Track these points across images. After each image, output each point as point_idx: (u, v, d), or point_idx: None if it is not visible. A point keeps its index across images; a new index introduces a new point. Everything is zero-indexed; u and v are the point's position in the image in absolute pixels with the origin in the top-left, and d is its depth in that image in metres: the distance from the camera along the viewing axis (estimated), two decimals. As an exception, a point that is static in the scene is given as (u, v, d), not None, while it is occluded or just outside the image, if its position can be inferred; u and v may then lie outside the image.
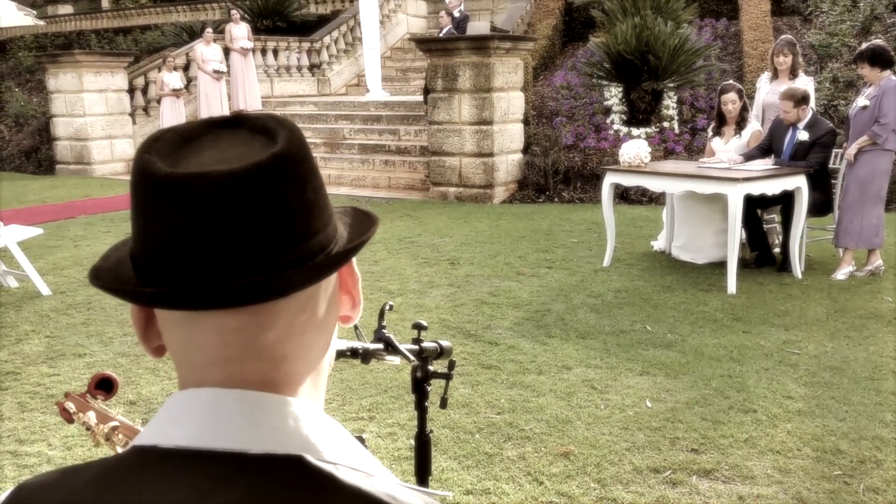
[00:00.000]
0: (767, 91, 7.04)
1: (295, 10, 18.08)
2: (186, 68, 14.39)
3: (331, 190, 0.71)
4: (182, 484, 0.61)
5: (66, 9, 26.79)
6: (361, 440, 0.80)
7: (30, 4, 29.93)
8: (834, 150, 6.53)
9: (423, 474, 1.57)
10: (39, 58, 15.20)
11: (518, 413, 3.84)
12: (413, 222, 8.83)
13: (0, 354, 4.79)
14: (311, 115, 13.82)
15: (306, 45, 16.21)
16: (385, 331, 1.36)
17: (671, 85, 11.06)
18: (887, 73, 6.03)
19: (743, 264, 6.35)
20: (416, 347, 1.44)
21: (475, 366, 4.45)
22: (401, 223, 8.72)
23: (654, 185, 6.54)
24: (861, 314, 5.31)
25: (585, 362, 4.50)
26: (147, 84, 14.49)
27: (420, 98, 11.87)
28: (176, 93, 13.56)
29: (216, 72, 13.69)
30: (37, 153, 14.79)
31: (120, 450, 1.37)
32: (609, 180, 6.69)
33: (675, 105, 11.30)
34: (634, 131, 10.73)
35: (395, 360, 1.38)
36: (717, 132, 6.96)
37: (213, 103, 13.71)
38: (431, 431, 1.60)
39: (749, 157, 6.49)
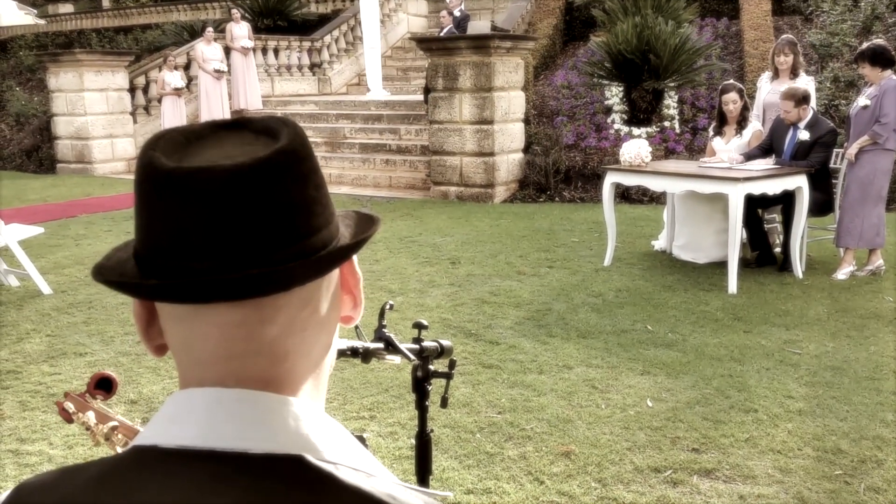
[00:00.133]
0: (768, 91, 7.04)
1: (295, 10, 18.08)
2: (187, 67, 14.39)
3: (332, 189, 0.72)
4: (182, 484, 0.61)
5: (67, 8, 26.80)
6: (362, 440, 0.80)
7: (30, 3, 29.94)
8: (835, 150, 6.53)
9: (423, 474, 1.57)
10: (40, 57, 15.21)
11: (519, 412, 3.84)
12: (414, 221, 8.83)
13: (1, 353, 4.79)
14: (312, 114, 13.82)
15: (307, 44, 16.21)
16: (385, 330, 1.37)
17: (672, 84, 11.06)
18: (888, 72, 6.03)
19: (744, 264, 6.35)
20: (417, 347, 1.44)
21: (476, 365, 4.45)
22: (401, 222, 8.72)
23: (654, 184, 6.54)
24: (862, 314, 5.31)
25: (586, 362, 4.50)
26: (148, 83, 14.50)
27: (421, 97, 11.87)
28: (177, 92, 13.57)
29: (217, 71, 13.69)
30: (38, 152, 14.79)
31: (119, 450, 1.37)
32: (610, 180, 6.69)
33: (675, 104, 11.30)
34: (635, 131, 10.73)
35: (395, 359, 1.38)
36: (718, 132, 6.96)
37: (214, 102, 13.71)
38: (432, 431, 1.60)
39: (750, 156, 6.49)
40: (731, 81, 7.15)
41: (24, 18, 28.83)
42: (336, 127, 13.25)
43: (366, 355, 1.31)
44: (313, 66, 16.34)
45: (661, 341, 4.82)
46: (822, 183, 6.37)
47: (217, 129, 0.68)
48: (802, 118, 6.30)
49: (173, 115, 13.45)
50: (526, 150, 10.74)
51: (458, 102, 10.31)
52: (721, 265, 6.28)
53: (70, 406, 1.42)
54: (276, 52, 15.84)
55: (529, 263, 6.79)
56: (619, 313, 5.37)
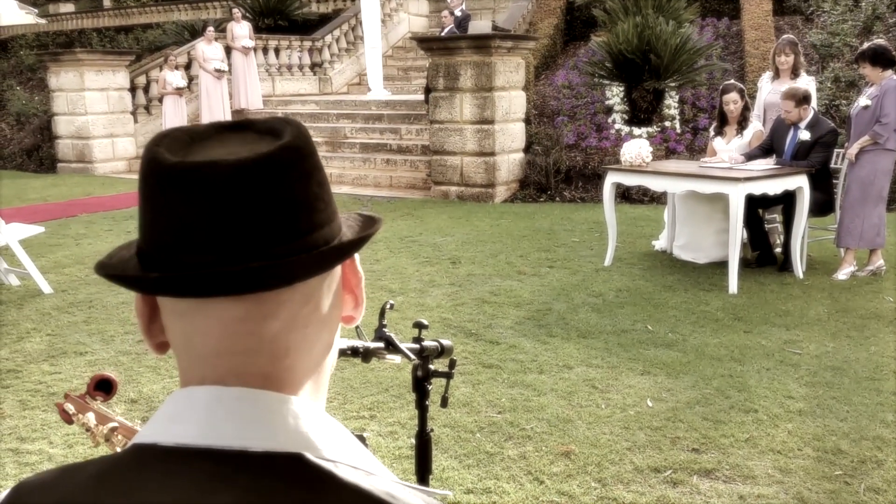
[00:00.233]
0: (769, 91, 7.03)
1: (296, 9, 18.08)
2: (188, 67, 14.39)
3: (332, 189, 0.72)
4: (182, 482, 0.61)
5: (68, 7, 26.79)
6: (362, 439, 0.80)
7: (31, 3, 29.94)
8: (835, 150, 6.53)
9: (423, 473, 1.57)
10: (41, 56, 15.21)
11: (519, 412, 3.84)
12: (414, 221, 8.83)
13: (1, 352, 4.79)
14: (313, 113, 13.82)
15: (308, 43, 16.21)
16: (386, 329, 1.37)
17: (673, 84, 11.06)
18: (889, 72, 6.03)
19: (744, 264, 6.35)
20: (417, 346, 1.44)
21: (476, 365, 4.45)
22: (402, 222, 8.72)
23: (655, 184, 6.54)
24: (862, 314, 5.31)
25: (586, 362, 4.50)
26: (148, 83, 14.50)
27: (421, 97, 11.87)
28: (179, 91, 13.57)
29: (217, 70, 13.69)
30: (38, 151, 14.80)
31: (119, 451, 1.37)
32: (610, 180, 6.69)
33: (676, 104, 11.30)
34: (636, 131, 10.73)
35: (395, 358, 1.38)
36: (719, 132, 6.96)
37: (215, 102, 13.71)
38: (432, 430, 1.60)
39: (750, 156, 6.49)
40: (732, 81, 7.15)
41: (25, 18, 28.83)
42: (337, 126, 13.26)
43: (366, 355, 1.31)
44: (314, 66, 16.34)
45: (662, 341, 4.82)
46: (823, 183, 6.37)
47: (221, 130, 0.68)
48: (803, 118, 6.29)
49: (174, 114, 13.46)
50: (526, 149, 10.74)
51: (458, 102, 10.31)
52: (721, 265, 6.28)
53: (70, 407, 1.42)
54: (277, 51, 15.84)
55: (530, 263, 6.79)
56: (620, 313, 5.37)
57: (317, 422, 0.66)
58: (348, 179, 11.71)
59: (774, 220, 6.89)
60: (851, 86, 10.13)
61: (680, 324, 5.14)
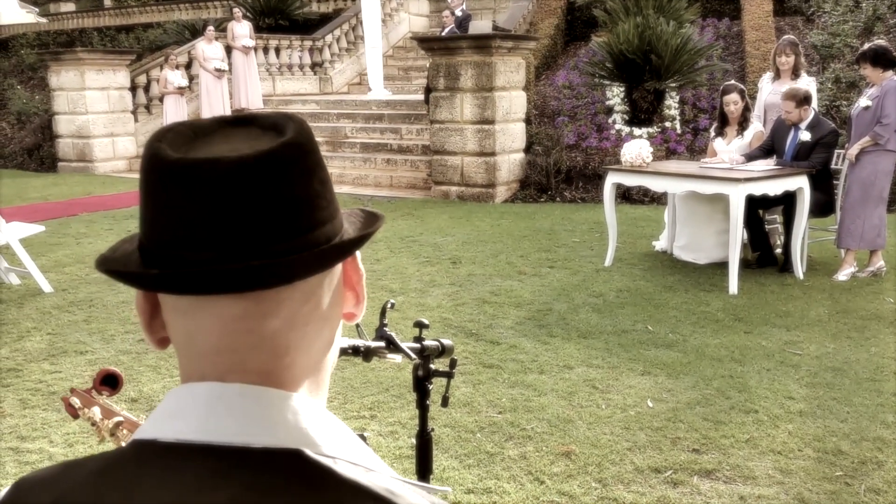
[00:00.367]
0: (769, 91, 7.03)
1: (297, 9, 18.09)
2: (188, 66, 14.39)
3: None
4: (182, 478, 0.61)
5: (69, 6, 26.81)
6: (363, 438, 0.80)
7: (32, 2, 29.95)
8: (836, 151, 6.53)
9: (424, 472, 1.57)
10: (42, 55, 15.22)
11: (519, 412, 3.84)
12: (415, 221, 8.83)
13: (2, 351, 4.79)
14: (313, 113, 13.82)
15: (308, 43, 16.22)
16: (387, 329, 1.36)
17: (673, 85, 11.06)
18: (889, 73, 6.03)
19: (745, 265, 6.35)
20: (418, 346, 1.44)
21: (476, 365, 4.45)
22: (402, 222, 8.72)
23: (655, 185, 6.54)
24: (863, 315, 5.30)
25: (587, 362, 4.50)
26: (149, 82, 14.51)
27: (422, 97, 11.87)
28: (180, 91, 13.58)
29: (218, 70, 13.70)
30: (39, 150, 14.80)
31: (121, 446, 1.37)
32: (611, 180, 6.69)
33: (677, 105, 11.30)
34: (636, 131, 10.72)
35: (396, 358, 1.38)
36: (720, 132, 6.96)
37: (215, 101, 13.72)
38: (433, 430, 1.60)
39: (751, 157, 6.49)
40: (733, 82, 7.15)
41: (26, 17, 28.85)
42: (337, 126, 13.26)
43: (367, 354, 1.31)
44: (314, 66, 16.34)
45: (662, 342, 4.82)
46: (824, 184, 6.37)
47: (224, 125, 0.68)
48: (804, 119, 6.29)
49: (175, 113, 13.46)
50: (527, 150, 10.74)
51: (459, 102, 10.31)
52: (722, 266, 6.28)
53: (76, 402, 1.43)
54: (278, 51, 15.84)
55: (530, 263, 6.79)
56: (620, 313, 5.37)
57: (317, 418, 0.66)
58: (349, 179, 11.71)
59: (775, 220, 6.89)
60: (852, 86, 10.12)
61: (680, 324, 5.14)
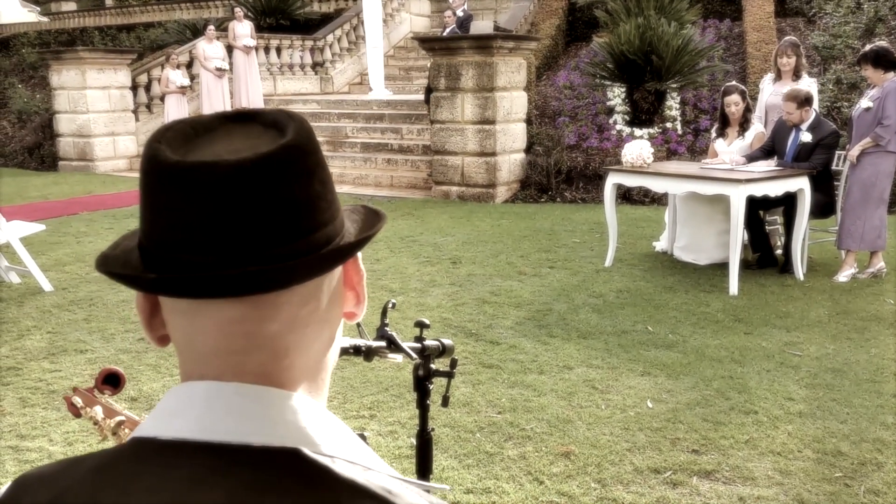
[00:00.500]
0: (771, 92, 7.03)
1: (298, 9, 18.09)
2: (189, 66, 14.40)
3: (333, 188, 0.72)
4: (180, 475, 0.61)
5: (70, 5, 26.80)
6: (363, 438, 0.80)
7: (33, 1, 29.94)
8: (837, 152, 6.53)
9: (424, 472, 1.57)
10: (43, 54, 15.22)
11: (519, 412, 3.84)
12: (415, 221, 8.83)
13: (1, 350, 4.80)
14: (314, 113, 13.83)
15: (309, 43, 16.22)
16: (388, 328, 1.37)
17: (674, 85, 11.05)
18: (891, 74, 6.03)
19: (745, 265, 6.35)
20: (419, 345, 1.44)
21: (476, 365, 4.45)
22: (403, 222, 8.72)
23: (656, 185, 6.54)
24: (863, 316, 5.30)
25: (587, 362, 4.50)
26: (150, 81, 14.51)
27: (423, 97, 11.87)
28: (182, 90, 13.58)
29: (218, 69, 13.70)
30: (40, 149, 14.80)
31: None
32: (611, 180, 6.69)
33: (678, 106, 11.29)
34: (637, 132, 10.72)
35: (397, 357, 1.38)
36: (721, 133, 6.96)
37: (216, 101, 13.72)
38: (433, 430, 1.60)
39: (752, 158, 6.49)
40: (734, 83, 7.15)
41: (28, 16, 28.80)
42: (338, 126, 13.26)
43: (368, 353, 1.31)
44: (315, 66, 16.35)
45: (662, 342, 4.82)
46: (824, 185, 6.37)
47: (226, 121, 0.68)
48: (805, 120, 6.29)
49: (177, 112, 13.46)
50: (528, 150, 10.74)
51: (460, 102, 10.31)
52: (722, 266, 6.28)
53: (78, 400, 1.43)
54: (279, 50, 15.85)
55: (530, 264, 6.79)
56: (620, 314, 5.37)
57: (315, 417, 0.66)
58: (349, 179, 11.71)
59: (775, 221, 6.89)
60: (853, 88, 10.12)
61: (680, 325, 5.14)
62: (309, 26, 17.60)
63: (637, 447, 3.48)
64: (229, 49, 14.22)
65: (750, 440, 3.53)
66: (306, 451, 0.63)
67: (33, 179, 12.92)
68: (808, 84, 6.84)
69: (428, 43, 11.59)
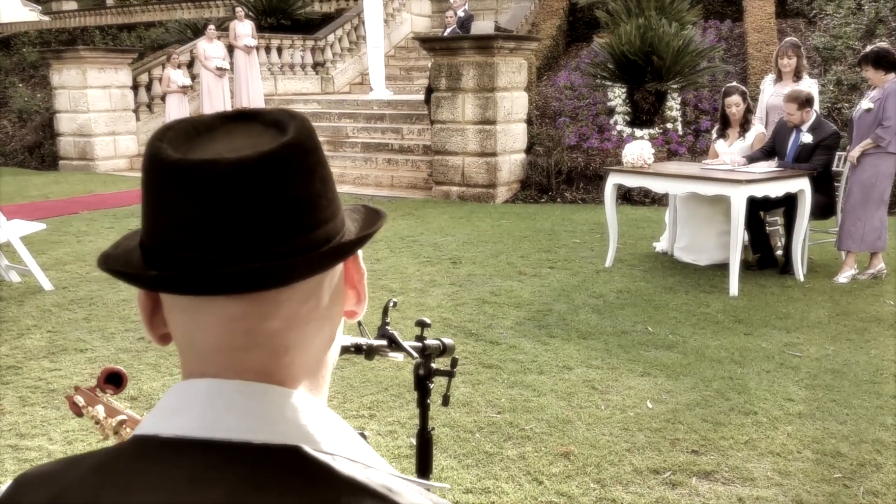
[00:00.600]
0: (771, 93, 7.03)
1: (299, 9, 18.09)
2: (190, 65, 14.40)
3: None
4: (180, 473, 0.61)
5: (71, 5, 26.82)
6: (363, 436, 0.80)
7: (35, 0, 29.95)
8: (837, 153, 6.53)
9: (424, 471, 1.57)
10: (44, 53, 15.22)
11: (518, 412, 3.84)
12: (415, 221, 8.83)
13: (2, 349, 4.80)
14: (315, 113, 13.83)
15: (310, 43, 16.22)
16: (389, 327, 1.37)
17: (675, 86, 11.06)
18: (891, 75, 6.03)
19: (745, 266, 6.35)
20: (420, 344, 1.44)
21: (476, 365, 4.46)
22: (403, 222, 8.73)
23: (657, 186, 6.54)
24: (863, 317, 5.30)
25: (586, 363, 4.50)
26: (151, 81, 14.51)
27: (423, 97, 11.87)
28: (183, 89, 13.59)
29: (219, 69, 13.70)
30: (40, 149, 14.80)
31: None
32: (612, 181, 6.69)
33: (678, 106, 11.30)
34: (638, 132, 10.72)
35: (398, 356, 1.38)
36: (721, 134, 6.96)
37: (216, 100, 13.72)
38: (433, 429, 1.60)
39: (752, 159, 6.49)
40: (734, 84, 7.15)
41: (29, 15, 28.86)
42: (338, 126, 13.26)
43: (369, 352, 1.31)
44: (316, 65, 16.35)
45: (662, 343, 4.82)
46: (825, 186, 6.37)
47: (227, 121, 0.68)
48: (805, 121, 6.29)
49: (178, 112, 13.46)
50: (528, 150, 10.75)
51: (460, 102, 10.32)
52: (722, 267, 6.28)
53: (80, 399, 1.43)
54: (280, 50, 15.85)
55: (530, 264, 6.79)
56: (620, 314, 5.37)
57: (316, 415, 0.66)
58: (349, 179, 11.71)
59: (776, 222, 6.89)
60: (854, 89, 10.12)
61: (680, 325, 5.14)
62: (310, 26, 17.60)
63: (636, 447, 3.48)
64: (230, 49, 14.23)
65: (749, 441, 3.53)
66: (307, 448, 0.63)
67: (34, 178, 12.93)
68: (809, 85, 6.84)
69: (429, 43, 11.59)
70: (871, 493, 3.12)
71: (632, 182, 6.88)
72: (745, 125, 6.77)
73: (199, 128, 0.67)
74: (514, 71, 10.44)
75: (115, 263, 0.67)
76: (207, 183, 0.61)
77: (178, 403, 0.66)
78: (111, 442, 1.39)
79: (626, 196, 9.58)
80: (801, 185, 6.07)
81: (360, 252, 0.73)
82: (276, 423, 0.64)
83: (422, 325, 1.45)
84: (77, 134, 13.86)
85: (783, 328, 5.08)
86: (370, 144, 12.58)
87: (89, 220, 9.13)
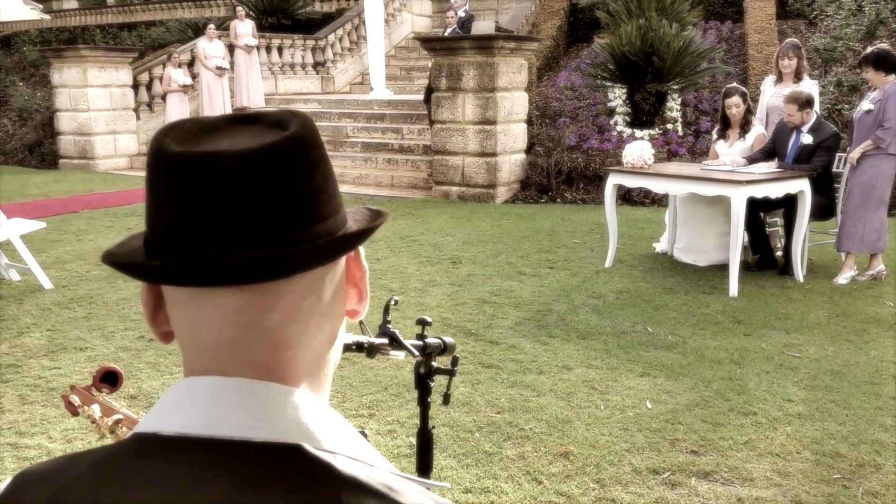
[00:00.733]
0: (772, 94, 7.03)
1: (300, 8, 18.09)
2: (191, 65, 14.40)
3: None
4: (180, 471, 0.61)
5: (72, 4, 26.81)
6: (364, 435, 0.80)
7: (35, -2, 29.95)
8: (837, 154, 6.53)
9: (424, 469, 1.57)
10: (44, 52, 15.22)
11: (518, 412, 3.84)
12: (415, 221, 8.83)
13: (1, 347, 4.80)
14: (315, 112, 13.82)
15: (311, 42, 16.22)
16: (390, 325, 1.37)
17: (675, 87, 11.06)
18: (892, 77, 6.03)
19: (745, 267, 6.35)
20: (420, 343, 1.44)
21: (475, 365, 4.46)
22: (403, 222, 8.73)
23: (657, 186, 6.54)
24: (862, 318, 5.31)
25: (586, 363, 4.50)
26: (151, 80, 14.51)
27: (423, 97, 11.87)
28: (184, 88, 13.59)
29: (218, 68, 13.70)
30: (40, 147, 14.80)
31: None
32: (612, 181, 6.69)
33: (678, 107, 11.30)
34: (638, 133, 10.73)
35: (399, 354, 1.38)
36: (722, 135, 6.96)
37: (216, 99, 13.72)
38: (434, 427, 1.60)
39: (752, 160, 6.49)
40: (735, 85, 7.15)
41: (30, 13, 28.87)
42: (339, 125, 13.26)
43: (370, 350, 1.31)
44: (317, 65, 16.35)
45: (661, 343, 4.82)
46: (825, 187, 6.38)
47: (232, 123, 0.69)
48: (806, 122, 6.30)
49: (178, 111, 13.47)
50: (528, 150, 10.75)
51: (461, 102, 10.32)
52: (722, 268, 6.28)
53: (76, 399, 1.43)
54: (280, 50, 15.85)
55: (530, 264, 6.80)
56: (620, 315, 5.37)
57: (317, 413, 0.66)
58: (349, 178, 11.71)
59: (775, 223, 6.90)
60: (854, 90, 10.12)
61: (680, 326, 5.14)
62: (310, 26, 17.60)
63: (636, 448, 3.48)
64: (231, 48, 14.23)
65: (749, 441, 3.53)
66: (308, 446, 0.63)
67: (34, 177, 12.93)
68: (810, 86, 6.84)
69: (429, 43, 11.59)
70: (870, 493, 3.12)
71: (632, 182, 6.88)
72: (745, 126, 6.77)
73: (204, 127, 0.67)
74: (514, 71, 10.44)
75: (118, 257, 0.67)
76: (210, 174, 0.62)
77: (180, 401, 0.66)
78: (108, 441, 1.39)
79: (626, 196, 9.58)
80: (801, 187, 6.08)
81: (362, 251, 0.73)
82: (278, 421, 0.64)
83: (423, 323, 1.46)
84: (77, 133, 13.86)
85: (783, 329, 5.09)
86: (370, 144, 12.58)
87: (89, 218, 9.13)
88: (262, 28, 15.88)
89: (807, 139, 6.28)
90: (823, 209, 6.41)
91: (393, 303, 1.42)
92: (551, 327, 5.12)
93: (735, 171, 6.24)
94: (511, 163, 10.47)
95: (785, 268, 6.39)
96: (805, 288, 6.04)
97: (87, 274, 6.48)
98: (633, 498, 3.08)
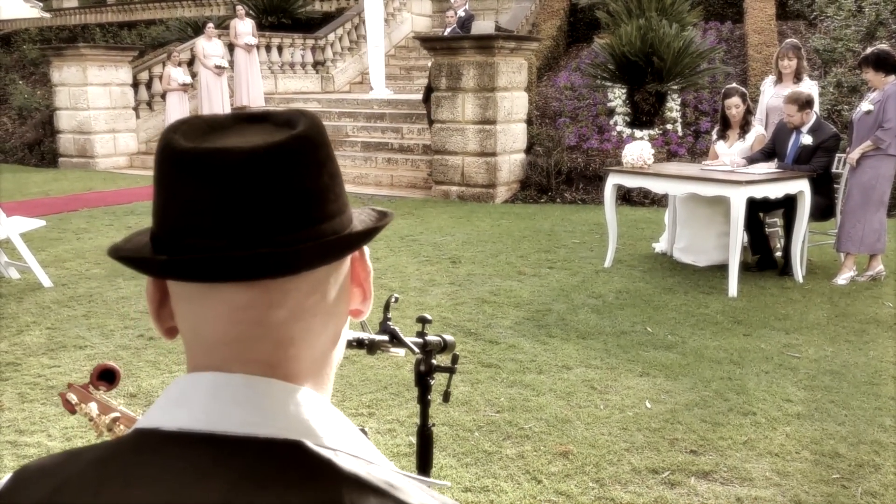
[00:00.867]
0: (771, 95, 7.03)
1: (300, 7, 18.10)
2: (191, 63, 14.40)
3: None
4: (181, 466, 0.61)
5: (72, 2, 26.80)
6: (364, 433, 0.80)
7: (35, -3, 29.93)
8: (837, 155, 6.53)
9: (424, 467, 1.57)
10: (44, 50, 15.22)
11: (517, 412, 3.84)
12: (415, 220, 8.83)
13: (1, 345, 4.80)
14: (315, 112, 13.77)
15: (311, 42, 16.22)
16: (390, 323, 1.37)
17: (675, 87, 11.06)
18: (891, 77, 6.03)
19: (744, 267, 6.35)
20: (421, 340, 1.44)
21: (475, 364, 4.46)
22: (403, 221, 8.72)
23: (656, 186, 6.55)
24: (861, 319, 5.31)
25: (585, 362, 4.50)
26: (151, 78, 14.51)
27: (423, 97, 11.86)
28: (184, 87, 13.58)
29: (217, 67, 13.70)
30: (40, 146, 14.80)
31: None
32: (612, 181, 6.69)
33: (678, 107, 11.30)
34: (638, 133, 10.73)
35: (399, 352, 1.38)
36: (721, 135, 6.96)
37: (215, 98, 13.72)
38: (434, 425, 1.60)
39: (752, 160, 6.49)
40: (734, 85, 7.15)
41: (30, 12, 28.86)
42: (338, 125, 13.26)
43: (371, 347, 1.31)
44: (317, 64, 16.35)
45: (661, 343, 4.82)
46: (824, 187, 6.38)
47: (241, 121, 0.69)
48: (805, 122, 6.30)
49: (178, 110, 13.47)
50: (528, 150, 10.75)
51: (461, 102, 10.32)
52: (722, 268, 6.28)
53: (73, 397, 1.43)
54: (280, 49, 15.85)
55: (530, 264, 6.80)
56: (619, 315, 5.37)
57: (319, 410, 0.66)
58: (349, 178, 11.70)
59: (775, 223, 6.90)
60: (854, 91, 10.13)
61: (679, 326, 5.14)
62: (310, 25, 17.61)
63: (635, 447, 3.48)
64: (231, 47, 14.22)
65: (748, 441, 3.54)
66: (309, 443, 0.63)
67: (33, 176, 12.92)
68: (809, 87, 6.85)
69: (429, 42, 11.59)
70: (870, 493, 3.12)
71: (631, 182, 6.88)
72: (745, 126, 6.77)
73: (213, 125, 0.68)
74: (514, 71, 10.44)
75: (125, 252, 0.67)
76: (218, 170, 0.62)
77: (182, 396, 0.66)
78: (105, 438, 1.39)
79: (626, 197, 9.58)
80: (801, 187, 6.08)
81: (367, 251, 0.74)
82: (279, 417, 0.64)
83: (423, 321, 1.46)
84: (77, 131, 13.85)
85: (782, 329, 5.09)
86: (370, 144, 12.58)
87: (89, 217, 9.13)
88: (261, 27, 15.88)
89: (806, 140, 6.28)
90: (823, 210, 6.41)
91: (393, 300, 1.42)
92: (551, 327, 5.12)
93: (735, 171, 6.25)
94: (511, 163, 10.47)
95: (784, 268, 6.39)
96: (804, 288, 6.04)
97: (87, 272, 6.48)
98: (633, 497, 3.08)
